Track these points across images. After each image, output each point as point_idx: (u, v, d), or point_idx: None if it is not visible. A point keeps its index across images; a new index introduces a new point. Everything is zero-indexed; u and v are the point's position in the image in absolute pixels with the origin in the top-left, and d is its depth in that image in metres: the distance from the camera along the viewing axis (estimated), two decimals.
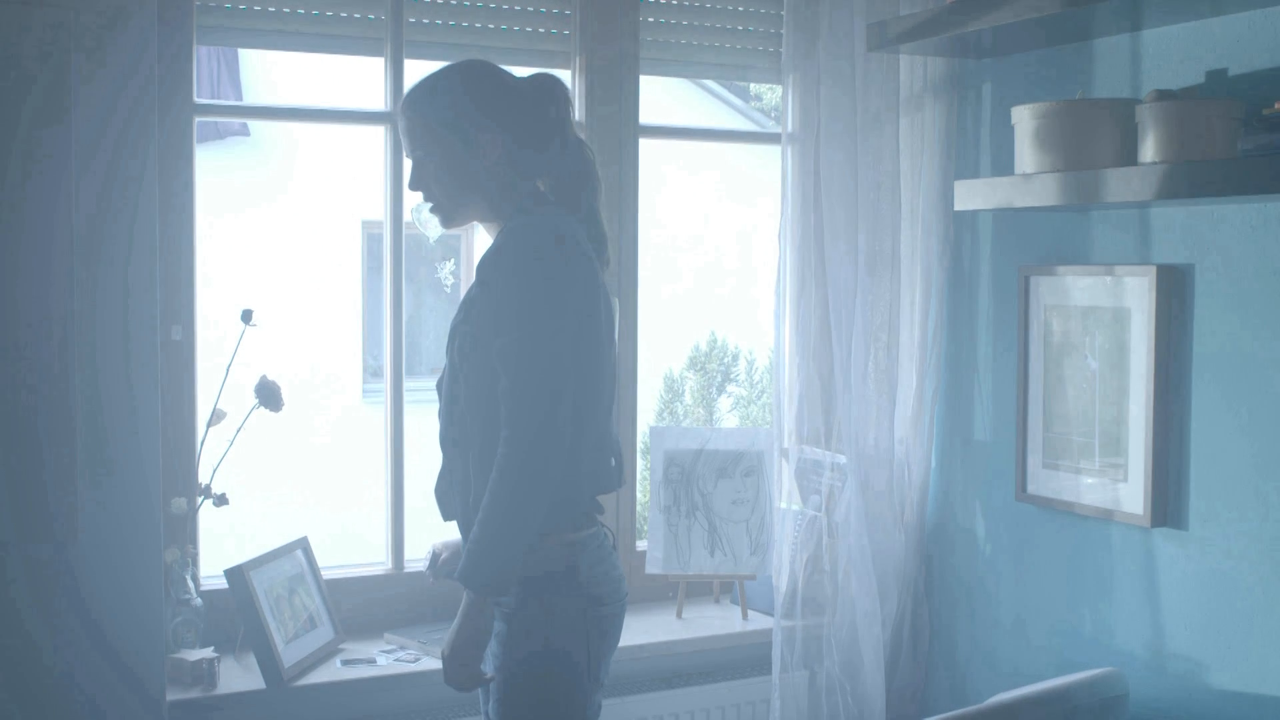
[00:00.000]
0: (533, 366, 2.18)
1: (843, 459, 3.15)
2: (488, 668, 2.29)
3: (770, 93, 8.51)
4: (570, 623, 2.27)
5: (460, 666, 2.23)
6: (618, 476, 2.40)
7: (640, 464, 3.49)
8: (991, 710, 2.49)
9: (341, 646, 2.95)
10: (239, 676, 2.77)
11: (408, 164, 2.38)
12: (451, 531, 2.49)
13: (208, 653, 2.74)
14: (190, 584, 2.83)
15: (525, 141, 2.33)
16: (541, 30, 3.17)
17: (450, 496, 2.37)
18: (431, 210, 2.38)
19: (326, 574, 3.03)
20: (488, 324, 2.23)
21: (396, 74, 3.01)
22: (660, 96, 3.53)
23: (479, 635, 2.21)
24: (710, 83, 8.88)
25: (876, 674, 3.12)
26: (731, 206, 8.71)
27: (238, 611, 2.77)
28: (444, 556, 2.57)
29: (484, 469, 2.23)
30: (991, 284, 3.11)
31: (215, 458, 2.90)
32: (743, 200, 8.53)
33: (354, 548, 3.85)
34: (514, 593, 2.23)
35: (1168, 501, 2.67)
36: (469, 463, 2.28)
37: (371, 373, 8.05)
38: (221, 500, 2.90)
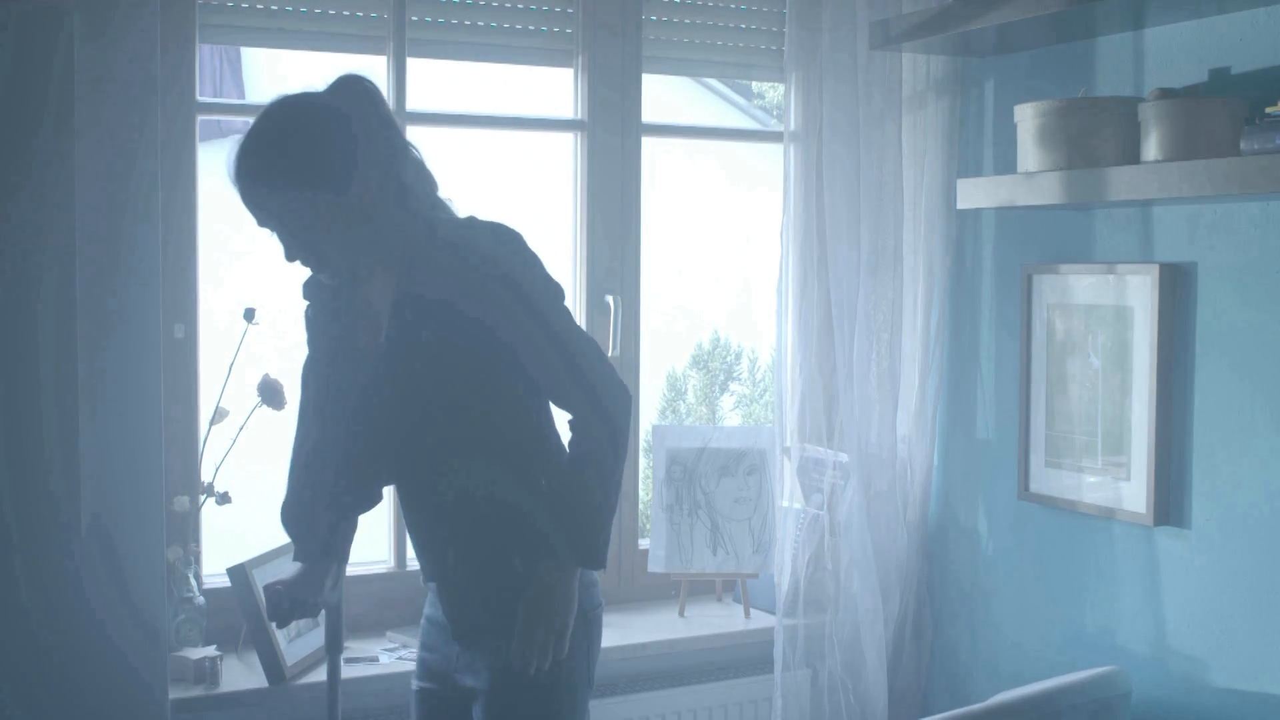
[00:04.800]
0: (588, 343, 2.20)
1: (845, 457, 3.15)
2: (480, 678, 2.26)
3: (772, 91, 8.50)
4: (575, 627, 2.25)
5: (565, 638, 2.20)
6: None
7: (643, 462, 3.49)
8: (994, 709, 2.49)
9: (343, 645, 2.95)
10: (241, 675, 2.77)
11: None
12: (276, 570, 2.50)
13: (210, 651, 2.74)
14: (193, 582, 2.83)
15: (382, 156, 2.13)
16: (544, 29, 3.17)
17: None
18: (329, 278, 2.17)
19: None
20: (505, 332, 2.14)
21: (399, 73, 3.01)
22: (661, 93, 3.52)
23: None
24: (713, 81, 8.88)
25: (879, 672, 3.12)
26: (733, 206, 8.70)
27: (240, 610, 2.77)
28: (286, 603, 2.30)
29: (519, 468, 2.21)
30: (994, 282, 3.11)
31: (218, 456, 2.90)
32: (745, 200, 8.52)
33: (356, 546, 3.84)
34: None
35: (1170, 500, 2.66)
36: (476, 485, 2.21)
37: None
38: (224, 498, 2.91)
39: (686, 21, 3.31)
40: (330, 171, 2.07)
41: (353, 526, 2.40)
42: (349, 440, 2.25)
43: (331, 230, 2.09)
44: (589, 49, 3.18)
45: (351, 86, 2.14)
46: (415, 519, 2.31)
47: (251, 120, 2.12)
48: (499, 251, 2.15)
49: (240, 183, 2.09)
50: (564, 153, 3.28)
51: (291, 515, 2.32)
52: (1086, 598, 2.87)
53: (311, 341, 2.31)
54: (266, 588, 2.34)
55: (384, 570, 3.12)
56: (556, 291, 2.19)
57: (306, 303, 2.32)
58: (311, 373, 2.31)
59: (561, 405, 2.22)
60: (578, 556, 2.18)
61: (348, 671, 2.81)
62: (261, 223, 2.12)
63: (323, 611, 2.41)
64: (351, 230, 2.11)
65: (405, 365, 2.17)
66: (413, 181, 2.17)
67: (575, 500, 2.17)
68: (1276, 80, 2.43)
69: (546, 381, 2.19)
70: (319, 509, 2.31)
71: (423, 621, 2.40)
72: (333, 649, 2.43)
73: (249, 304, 2.91)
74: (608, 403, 2.17)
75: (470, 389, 2.17)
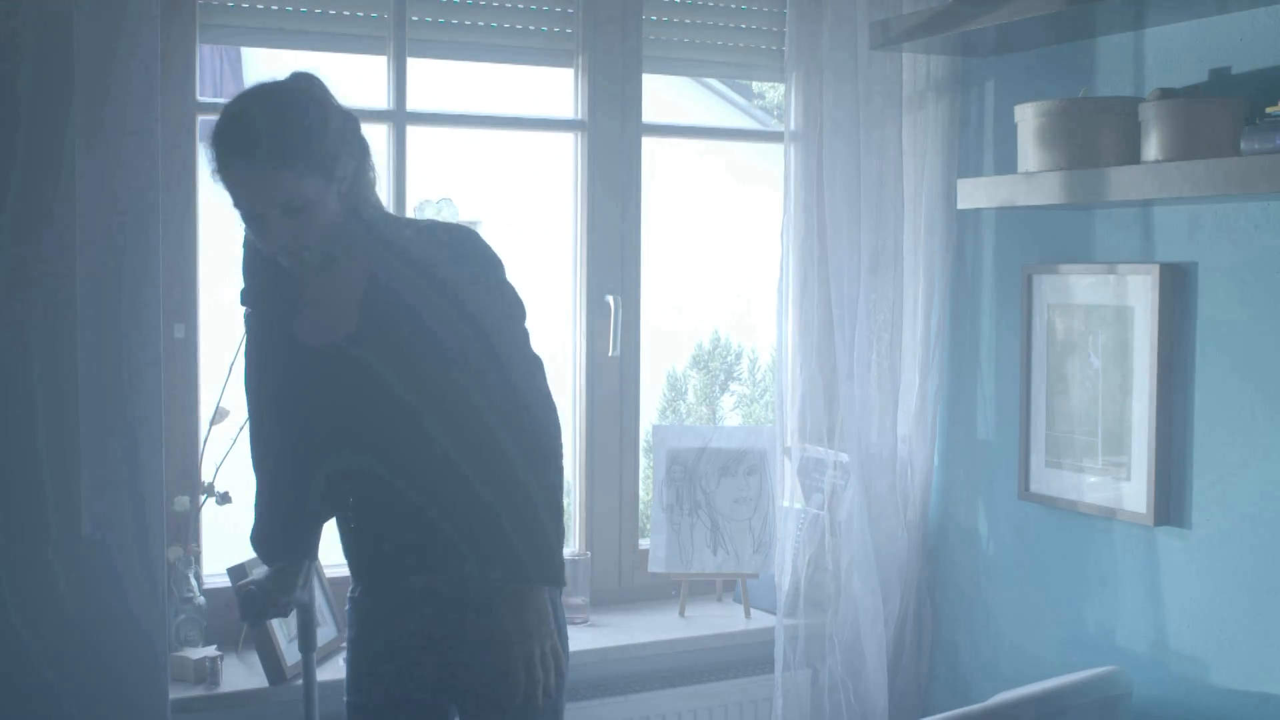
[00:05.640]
0: (530, 352, 2.21)
1: (845, 457, 3.15)
2: (459, 681, 2.27)
3: (773, 91, 8.50)
4: (560, 614, 2.28)
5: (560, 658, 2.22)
6: None
7: (643, 462, 3.49)
8: (994, 709, 2.49)
9: (344, 645, 2.95)
10: (242, 675, 2.77)
11: (293, 198, 2.08)
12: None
13: (210, 651, 2.74)
14: (193, 582, 2.83)
15: (354, 148, 2.16)
16: (544, 29, 3.17)
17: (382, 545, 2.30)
18: (295, 264, 2.15)
19: (329, 572, 3.03)
20: (451, 334, 2.15)
21: (399, 73, 3.01)
22: (662, 93, 3.52)
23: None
24: (713, 81, 8.88)
25: (879, 672, 3.12)
26: (738, 205, 8.70)
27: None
28: (259, 602, 2.31)
29: (488, 470, 2.19)
30: (994, 282, 3.11)
31: (218, 456, 2.90)
32: (748, 199, 8.52)
33: None
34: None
35: (1170, 500, 2.66)
36: (451, 485, 2.21)
37: None
38: (224, 498, 2.90)
39: (686, 21, 3.31)
40: (323, 154, 2.08)
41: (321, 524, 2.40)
42: (317, 448, 2.26)
43: (316, 214, 2.09)
44: (589, 49, 3.18)
45: (315, 82, 2.17)
46: (364, 522, 2.30)
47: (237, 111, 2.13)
48: (453, 257, 2.17)
49: (238, 161, 2.06)
50: (564, 153, 3.28)
51: (262, 539, 2.34)
52: (1087, 598, 2.87)
53: (252, 349, 2.31)
54: (239, 587, 2.34)
55: None
56: (511, 302, 2.19)
57: (246, 309, 2.32)
58: (257, 381, 2.31)
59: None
60: (536, 569, 2.16)
61: (343, 670, 2.80)
62: (239, 203, 2.10)
63: (294, 610, 2.41)
64: (332, 217, 2.11)
65: (365, 363, 2.17)
66: (372, 179, 2.21)
67: (524, 504, 2.15)
68: (1276, 80, 2.43)
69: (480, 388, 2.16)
70: (290, 527, 2.33)
71: (351, 633, 2.38)
72: (306, 648, 2.43)
73: None
74: (529, 422, 2.16)
75: (425, 389, 2.16)
